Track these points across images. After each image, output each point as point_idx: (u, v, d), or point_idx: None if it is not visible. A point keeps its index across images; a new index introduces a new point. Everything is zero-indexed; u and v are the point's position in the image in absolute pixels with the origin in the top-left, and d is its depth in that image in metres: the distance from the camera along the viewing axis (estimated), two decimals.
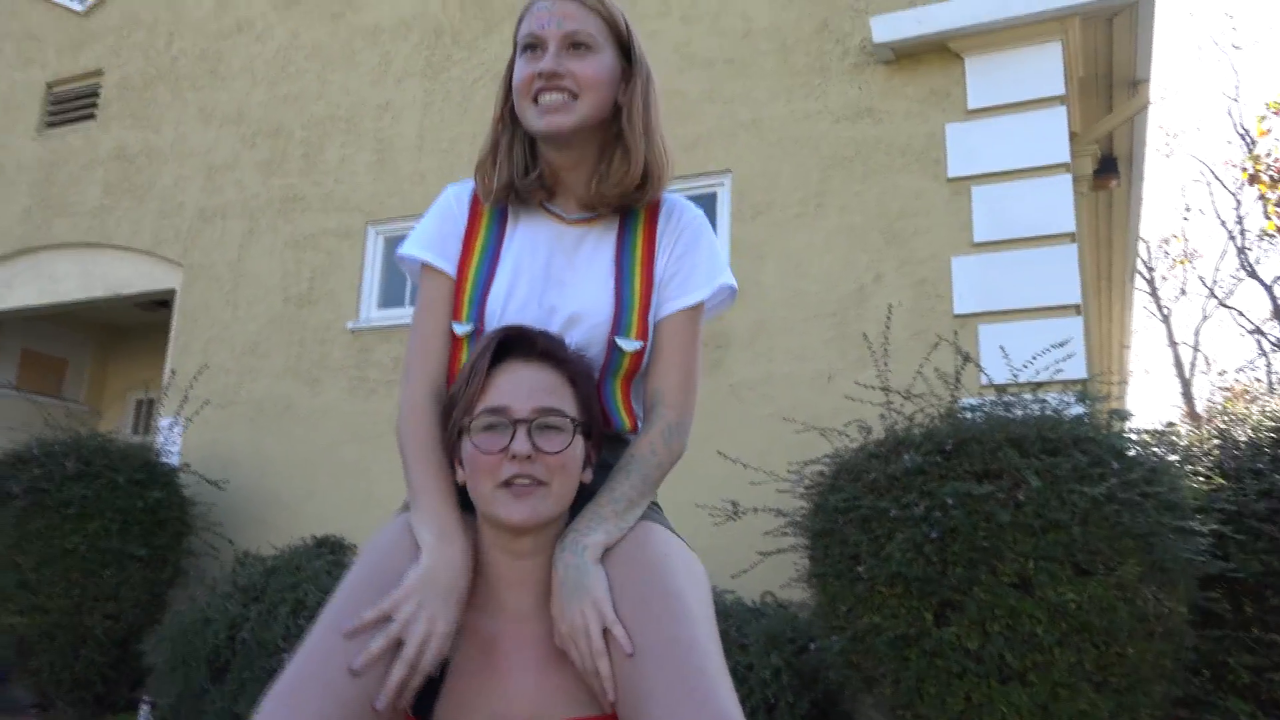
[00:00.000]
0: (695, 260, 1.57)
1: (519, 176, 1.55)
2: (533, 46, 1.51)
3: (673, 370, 1.54)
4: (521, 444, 1.32)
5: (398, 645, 1.28)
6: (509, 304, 1.51)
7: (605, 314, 1.51)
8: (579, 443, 1.37)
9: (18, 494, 5.62)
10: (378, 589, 1.33)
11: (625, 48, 1.56)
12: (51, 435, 6.05)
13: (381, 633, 1.28)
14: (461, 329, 1.51)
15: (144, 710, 5.15)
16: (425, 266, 1.58)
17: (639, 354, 1.53)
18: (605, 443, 1.50)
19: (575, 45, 1.49)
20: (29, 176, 8.41)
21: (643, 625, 1.28)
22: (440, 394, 1.50)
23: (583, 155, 1.55)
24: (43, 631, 5.64)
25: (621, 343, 1.51)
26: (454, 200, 1.62)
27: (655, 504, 1.55)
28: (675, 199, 1.64)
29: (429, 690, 1.33)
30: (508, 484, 1.32)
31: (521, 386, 1.36)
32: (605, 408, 1.53)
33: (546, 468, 1.33)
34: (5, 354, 9.08)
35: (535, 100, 1.49)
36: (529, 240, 1.56)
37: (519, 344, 1.40)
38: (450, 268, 1.56)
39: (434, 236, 1.59)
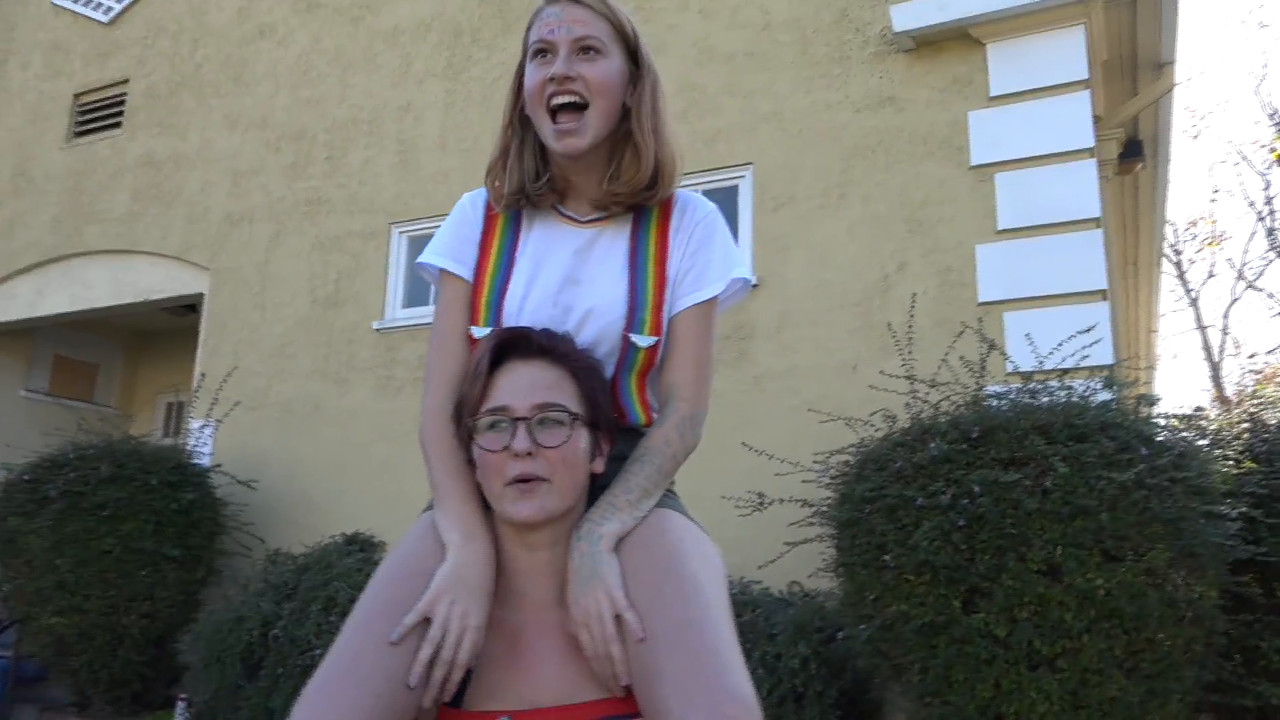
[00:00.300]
0: (709, 256, 1.59)
1: (529, 181, 1.58)
2: (543, 52, 1.54)
3: (687, 364, 1.55)
4: (521, 441, 1.34)
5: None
6: (525, 305, 1.53)
7: (619, 311, 1.53)
8: (581, 435, 1.40)
9: (54, 497, 5.72)
10: (405, 586, 1.37)
11: (632, 51, 1.59)
12: (85, 439, 6.14)
13: (426, 640, 1.31)
14: (480, 332, 1.54)
15: (181, 707, 5.23)
16: (443, 273, 1.61)
17: (654, 349, 1.55)
18: (622, 436, 1.52)
19: (585, 50, 1.52)
20: (58, 186, 8.54)
21: (656, 609, 1.30)
22: None
23: (594, 160, 1.57)
24: (81, 632, 5.74)
25: (636, 339, 1.53)
26: (469, 207, 1.65)
27: (671, 490, 1.57)
28: (688, 195, 1.65)
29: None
30: (514, 482, 1.35)
31: (520, 385, 1.39)
32: (621, 403, 1.55)
33: (549, 463, 1.35)
34: (38, 360, 9.24)
35: (549, 105, 1.52)
36: (543, 242, 1.59)
37: (518, 344, 1.43)
38: (467, 273, 1.59)
39: (451, 243, 1.62)
